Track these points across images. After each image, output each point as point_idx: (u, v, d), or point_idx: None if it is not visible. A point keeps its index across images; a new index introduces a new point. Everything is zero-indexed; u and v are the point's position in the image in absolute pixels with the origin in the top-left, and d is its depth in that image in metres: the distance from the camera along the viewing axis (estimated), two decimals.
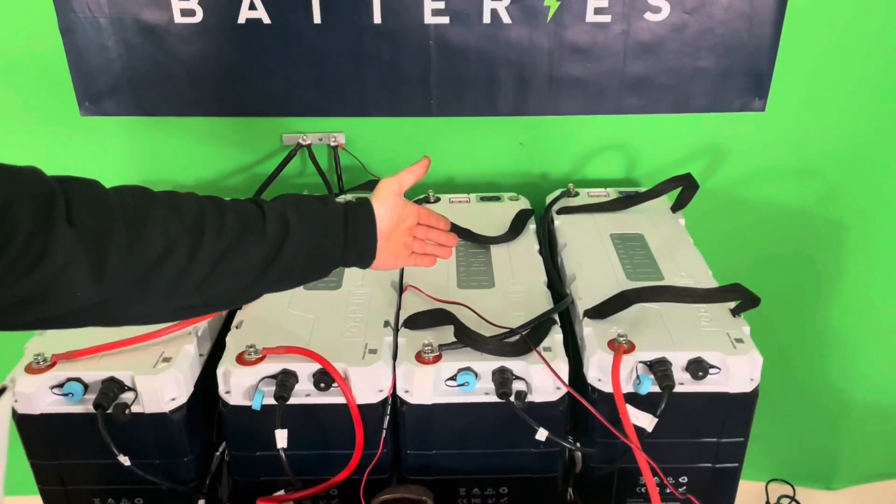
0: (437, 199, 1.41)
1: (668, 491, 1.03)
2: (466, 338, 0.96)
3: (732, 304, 1.05)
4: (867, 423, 1.77)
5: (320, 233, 0.78)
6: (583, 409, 0.98)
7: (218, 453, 1.07)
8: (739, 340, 1.00)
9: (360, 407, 0.97)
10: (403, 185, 0.87)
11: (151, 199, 0.69)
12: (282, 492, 1.02)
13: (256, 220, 0.74)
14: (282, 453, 0.95)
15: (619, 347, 0.97)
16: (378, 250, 0.83)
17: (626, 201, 1.35)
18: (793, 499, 1.45)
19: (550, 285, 1.17)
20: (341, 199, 1.39)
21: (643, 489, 1.07)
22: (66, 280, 0.61)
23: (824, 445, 1.81)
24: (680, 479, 1.06)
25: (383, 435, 0.99)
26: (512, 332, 1.00)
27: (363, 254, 0.83)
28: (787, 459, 1.77)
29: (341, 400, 0.97)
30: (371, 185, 1.42)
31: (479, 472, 1.04)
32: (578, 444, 1.03)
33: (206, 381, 1.04)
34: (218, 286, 0.71)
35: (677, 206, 1.35)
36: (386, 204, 0.84)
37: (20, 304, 0.61)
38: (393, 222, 0.85)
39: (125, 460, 0.95)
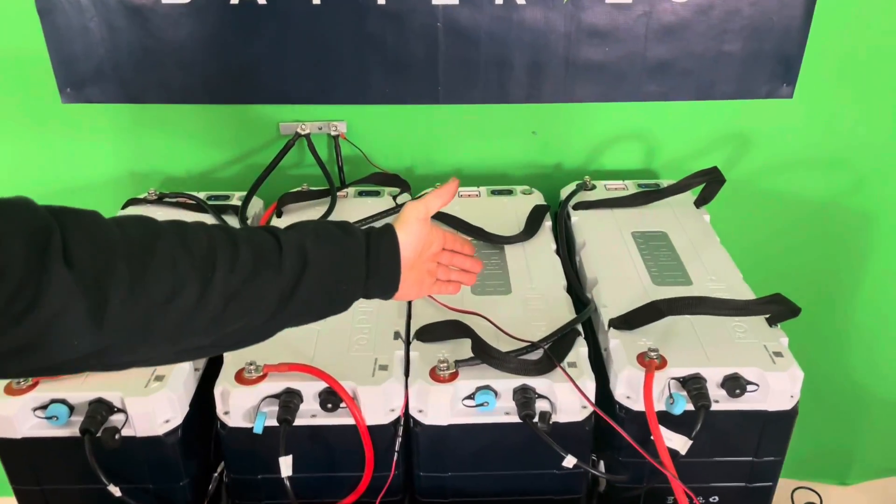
0: None
1: None
2: (486, 355, 0.89)
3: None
4: (885, 419, 1.72)
5: (341, 265, 0.70)
6: (607, 425, 0.91)
7: (216, 474, 1.00)
8: (778, 354, 0.93)
9: (370, 428, 0.90)
10: (430, 211, 0.78)
11: (157, 233, 0.61)
12: None
13: (272, 253, 0.66)
14: (286, 482, 0.88)
15: (651, 363, 0.90)
16: (401, 281, 0.75)
17: (648, 196, 1.26)
18: None
19: (569, 288, 1.09)
20: (345, 189, 1.31)
21: None
22: (62, 328, 0.53)
23: (840, 441, 1.76)
24: (710, 499, 1.00)
25: (395, 458, 0.92)
26: (533, 345, 0.93)
27: (386, 286, 0.75)
28: (802, 454, 1.71)
29: (350, 421, 0.90)
30: (375, 177, 1.33)
31: (498, 493, 0.97)
32: (608, 472, 0.96)
33: (203, 397, 0.96)
34: (229, 326, 0.63)
35: (701, 201, 1.27)
36: (411, 232, 0.76)
37: (8, 354, 0.53)
38: (417, 251, 0.77)
39: (116, 491, 0.88)
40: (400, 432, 0.92)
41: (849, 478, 1.81)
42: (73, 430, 0.88)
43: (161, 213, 1.27)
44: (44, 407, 0.89)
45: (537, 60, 1.29)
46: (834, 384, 1.68)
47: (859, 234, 1.48)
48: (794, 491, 1.44)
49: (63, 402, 0.89)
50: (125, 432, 0.89)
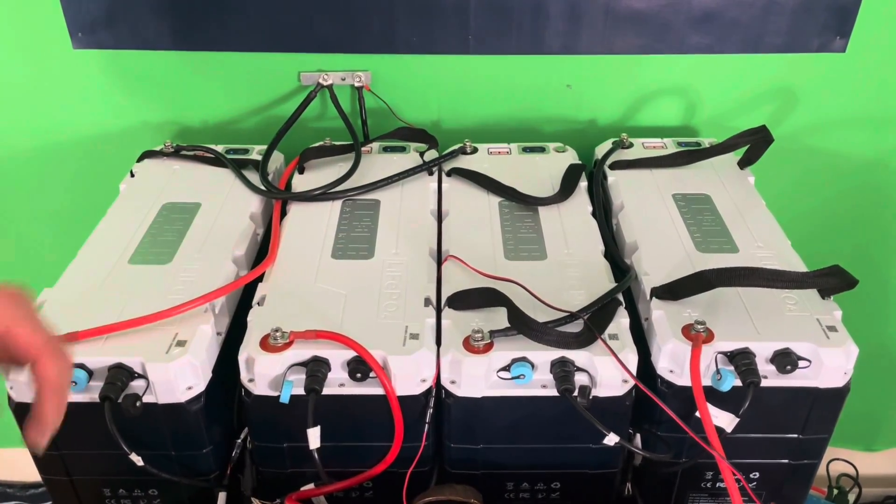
0: (475, 150, 1.26)
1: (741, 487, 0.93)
2: (525, 327, 0.84)
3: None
4: None
5: None
6: (645, 398, 0.87)
7: (240, 440, 0.97)
8: (832, 328, 0.88)
9: (401, 399, 0.86)
10: None
11: None
12: (312, 485, 0.92)
13: None
14: (315, 454, 0.84)
15: (697, 337, 0.85)
16: None
17: (691, 156, 1.20)
18: (856, 481, 1.36)
19: (606, 253, 1.04)
20: (369, 144, 1.23)
21: (708, 485, 0.97)
22: None
23: (868, 407, 1.72)
24: (751, 475, 0.96)
25: (426, 430, 0.88)
26: (572, 315, 0.88)
27: None
28: None
29: (379, 391, 0.86)
30: (401, 132, 1.27)
31: (531, 466, 0.94)
32: (645, 447, 0.92)
33: (226, 361, 0.92)
34: None
35: (745, 162, 1.20)
36: None
37: None
38: None
39: (138, 460, 0.85)
40: (431, 403, 0.88)
41: (876, 444, 1.78)
42: (92, 396, 0.85)
43: (178, 167, 1.22)
44: None
45: (576, 9, 1.22)
46: (863, 349, 1.63)
47: None
48: (829, 462, 1.41)
49: (81, 366, 0.85)
50: (146, 399, 0.85)
